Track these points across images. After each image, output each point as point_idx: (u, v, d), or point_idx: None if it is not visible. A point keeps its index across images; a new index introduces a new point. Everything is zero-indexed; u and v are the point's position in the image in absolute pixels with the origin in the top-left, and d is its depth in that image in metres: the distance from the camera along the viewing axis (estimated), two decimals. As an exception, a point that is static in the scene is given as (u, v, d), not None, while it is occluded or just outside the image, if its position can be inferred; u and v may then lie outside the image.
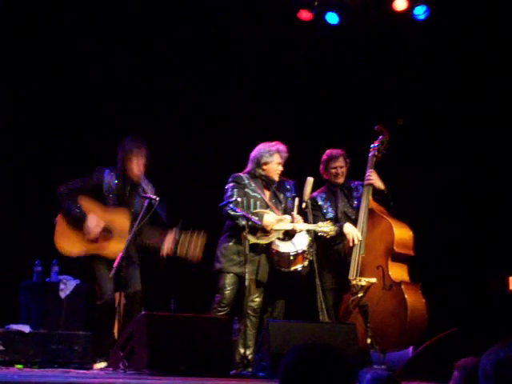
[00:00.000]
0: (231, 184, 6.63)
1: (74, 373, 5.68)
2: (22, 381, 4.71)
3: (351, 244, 6.68)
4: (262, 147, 6.71)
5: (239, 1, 8.32)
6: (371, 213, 6.80)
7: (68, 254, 6.41)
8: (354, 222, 6.80)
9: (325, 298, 6.68)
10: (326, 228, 6.54)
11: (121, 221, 6.36)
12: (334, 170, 6.95)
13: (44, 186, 7.77)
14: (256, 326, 6.50)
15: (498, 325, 7.17)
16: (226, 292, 6.48)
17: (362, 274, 6.62)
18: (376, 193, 6.89)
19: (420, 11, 8.08)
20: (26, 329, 6.77)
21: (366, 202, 6.80)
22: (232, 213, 6.44)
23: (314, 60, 8.61)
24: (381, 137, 7.00)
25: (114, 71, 8.17)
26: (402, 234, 6.73)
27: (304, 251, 6.52)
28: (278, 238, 6.55)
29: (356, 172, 7.08)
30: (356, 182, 7.05)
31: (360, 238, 6.67)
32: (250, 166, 6.72)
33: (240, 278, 6.44)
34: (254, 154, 6.72)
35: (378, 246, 6.73)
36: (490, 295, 8.04)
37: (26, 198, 7.84)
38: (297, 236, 6.57)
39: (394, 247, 6.64)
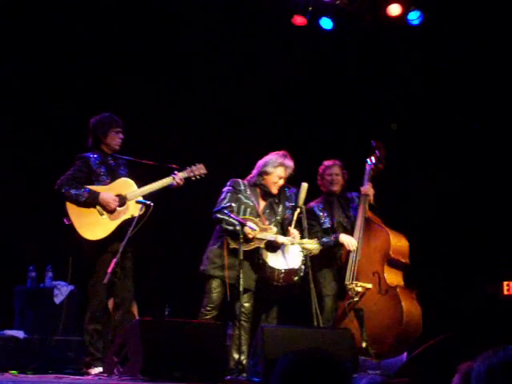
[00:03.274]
0: (227, 188, 6.64)
1: (69, 379, 5.66)
2: (16, 387, 4.69)
3: (348, 249, 6.78)
4: (269, 157, 6.67)
5: (233, 6, 8.32)
6: (368, 221, 6.92)
7: (97, 238, 6.24)
8: (350, 233, 6.91)
9: (324, 304, 6.84)
10: (309, 245, 6.49)
11: (126, 185, 6.36)
12: (329, 177, 7.06)
13: (38, 191, 7.78)
14: (248, 331, 6.48)
15: (493, 330, 7.18)
16: (212, 295, 6.48)
17: (358, 280, 6.71)
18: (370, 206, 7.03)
19: (414, 16, 8.10)
20: (20, 334, 6.77)
21: (363, 210, 6.91)
22: (220, 216, 6.45)
23: (307, 65, 8.62)
24: (377, 152, 7.11)
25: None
26: (398, 241, 6.85)
27: (296, 269, 6.51)
28: (268, 251, 6.52)
29: (352, 184, 7.18)
30: (353, 193, 7.16)
31: (355, 246, 6.77)
32: (253, 173, 6.72)
33: (224, 282, 6.45)
34: (260, 161, 6.71)
35: (374, 252, 6.83)
36: (484, 300, 8.06)
37: (20, 204, 7.83)
38: (291, 252, 6.55)
39: (390, 252, 6.75)
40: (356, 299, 6.63)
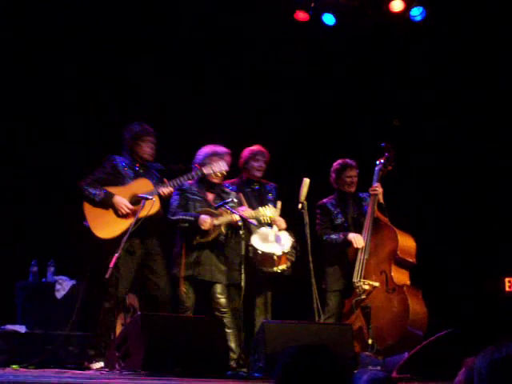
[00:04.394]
0: (175, 193, 6.63)
1: (70, 373, 5.67)
2: (17, 381, 4.70)
3: (355, 246, 6.84)
4: (203, 149, 6.70)
5: (235, 1, 8.31)
6: (377, 221, 7.00)
7: (112, 235, 6.31)
8: (361, 230, 6.97)
9: (330, 299, 6.92)
10: (267, 212, 6.53)
11: (143, 184, 6.41)
12: (349, 179, 7.13)
13: (41, 185, 7.79)
14: (233, 325, 6.42)
15: (495, 326, 7.19)
16: (183, 295, 6.49)
17: (365, 278, 6.79)
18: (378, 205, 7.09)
19: (416, 12, 8.10)
20: (22, 329, 6.78)
21: (372, 209, 6.99)
22: (174, 218, 6.50)
23: (309, 61, 8.61)
24: (387, 154, 7.18)
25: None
26: (406, 241, 6.92)
27: (287, 252, 6.54)
28: (258, 238, 6.56)
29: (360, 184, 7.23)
30: (364, 194, 7.22)
31: (363, 244, 6.83)
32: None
33: (193, 280, 6.47)
34: (196, 158, 6.71)
35: (381, 251, 6.91)
36: (486, 296, 8.06)
37: (23, 198, 7.82)
38: (280, 237, 6.59)
39: (398, 252, 6.83)
40: (363, 297, 6.73)
